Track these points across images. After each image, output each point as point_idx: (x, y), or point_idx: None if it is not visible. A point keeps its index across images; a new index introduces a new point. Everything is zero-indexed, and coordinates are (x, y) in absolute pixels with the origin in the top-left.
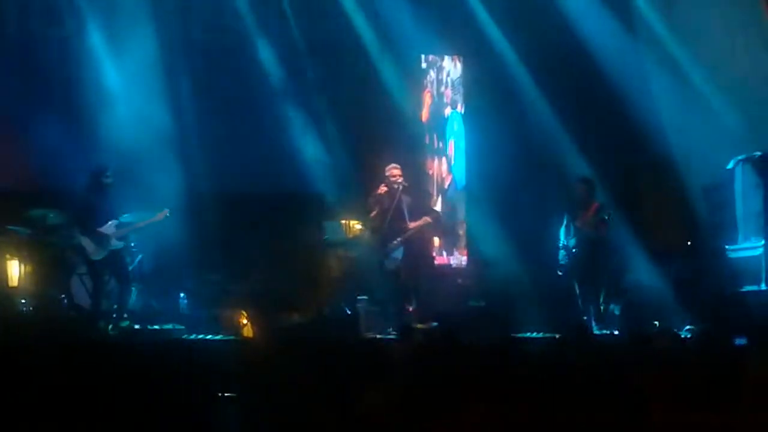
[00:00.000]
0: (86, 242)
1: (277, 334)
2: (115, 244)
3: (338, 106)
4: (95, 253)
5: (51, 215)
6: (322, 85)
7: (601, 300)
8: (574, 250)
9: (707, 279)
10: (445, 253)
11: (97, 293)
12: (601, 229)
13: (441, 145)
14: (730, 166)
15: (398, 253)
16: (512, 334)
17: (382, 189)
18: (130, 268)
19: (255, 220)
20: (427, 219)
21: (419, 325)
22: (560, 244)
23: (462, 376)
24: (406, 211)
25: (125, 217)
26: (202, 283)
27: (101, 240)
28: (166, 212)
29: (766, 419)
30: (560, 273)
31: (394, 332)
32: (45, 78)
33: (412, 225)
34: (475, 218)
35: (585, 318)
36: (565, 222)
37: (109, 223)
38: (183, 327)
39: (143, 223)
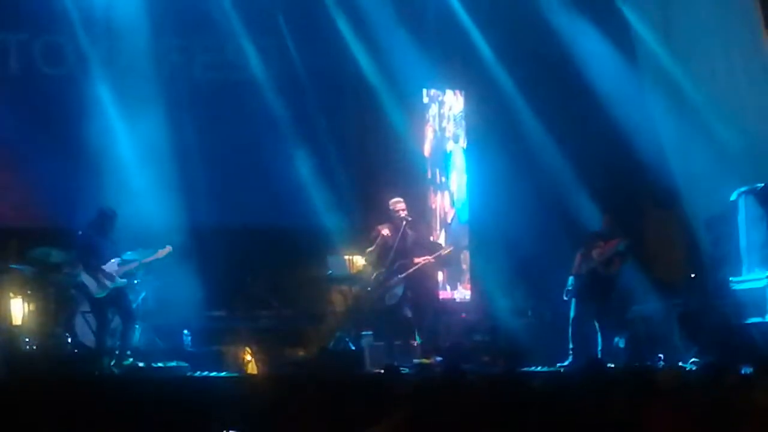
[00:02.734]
0: (88, 280)
1: (281, 370)
2: (118, 281)
3: (341, 140)
4: (97, 291)
5: (54, 253)
6: (325, 119)
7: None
8: (584, 279)
9: (711, 311)
10: (449, 288)
11: (101, 331)
12: (613, 265)
13: (443, 179)
14: (733, 197)
15: (399, 290)
16: (517, 368)
17: (385, 228)
18: (134, 305)
19: (258, 255)
20: (429, 259)
21: (423, 360)
22: (573, 271)
23: (467, 410)
24: (411, 246)
25: (128, 255)
26: (205, 320)
27: (103, 277)
28: (169, 249)
29: None
30: (566, 298)
31: (381, 371)
32: (48, 116)
33: (416, 260)
34: (479, 252)
35: (595, 351)
36: (582, 250)
37: (112, 261)
38: (187, 364)
39: (146, 261)
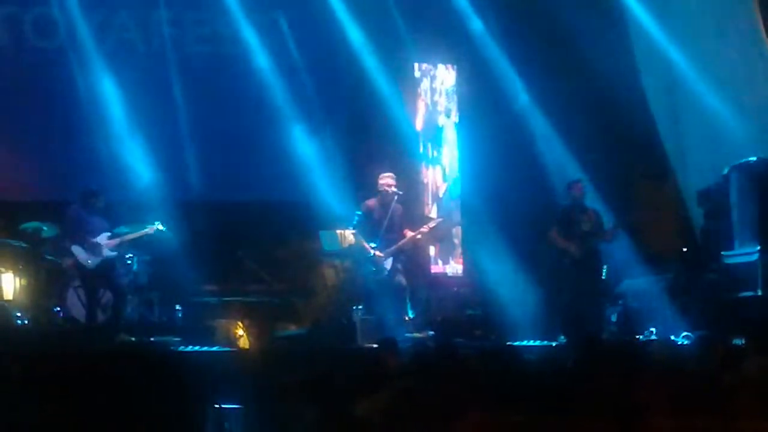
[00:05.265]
0: (78, 251)
1: (273, 344)
2: (108, 253)
3: (332, 115)
4: (87, 262)
5: (45, 228)
6: (317, 93)
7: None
8: (576, 256)
9: (703, 285)
10: (440, 262)
11: (92, 305)
12: (611, 236)
13: (435, 153)
14: (725, 171)
15: (387, 264)
16: (509, 342)
17: (371, 202)
18: (126, 280)
19: (250, 230)
20: (415, 235)
21: (416, 334)
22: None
23: (459, 384)
24: (399, 221)
25: (120, 229)
26: (198, 295)
27: (93, 248)
28: (158, 226)
29: (765, 424)
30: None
31: (373, 344)
32: (38, 89)
33: (407, 233)
34: (471, 226)
35: (590, 325)
36: (560, 227)
37: (102, 234)
38: (179, 339)
39: (135, 236)
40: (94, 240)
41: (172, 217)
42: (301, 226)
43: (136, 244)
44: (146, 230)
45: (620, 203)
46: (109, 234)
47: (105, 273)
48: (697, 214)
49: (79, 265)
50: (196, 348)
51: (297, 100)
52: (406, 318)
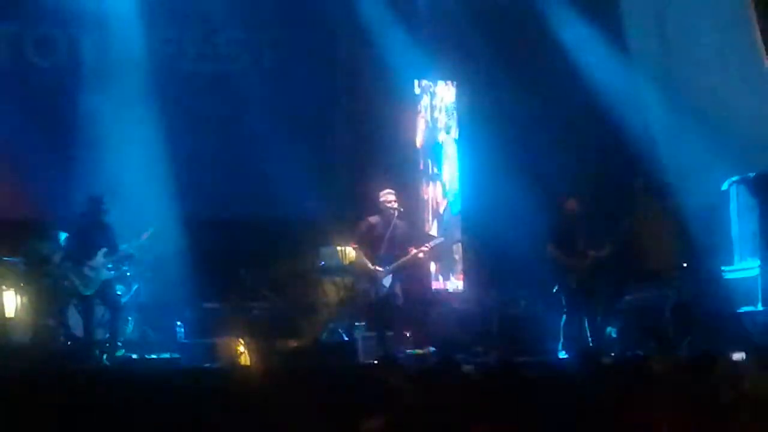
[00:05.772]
0: (77, 277)
1: (274, 361)
2: (106, 274)
3: (333, 132)
4: (86, 289)
5: (46, 245)
6: (317, 110)
7: (598, 321)
8: (575, 271)
9: (704, 300)
10: (441, 278)
11: (89, 323)
12: (607, 250)
13: (435, 170)
14: (724, 187)
15: (387, 281)
16: (510, 359)
17: (374, 218)
18: (126, 297)
19: (251, 247)
20: (416, 253)
21: (417, 351)
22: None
23: (460, 400)
24: (401, 238)
25: (122, 248)
26: (198, 312)
27: (91, 273)
28: (150, 231)
29: None
30: (556, 289)
31: (375, 360)
32: (38, 107)
33: (410, 250)
34: (472, 243)
35: (590, 341)
36: (558, 241)
37: (99, 252)
38: (180, 356)
39: (131, 249)
40: (92, 263)
41: (172, 234)
42: (302, 243)
43: (135, 259)
44: (140, 239)
45: (620, 218)
46: (105, 251)
47: (103, 292)
48: (696, 230)
49: (76, 289)
50: (197, 365)
51: (297, 117)
52: (407, 335)
